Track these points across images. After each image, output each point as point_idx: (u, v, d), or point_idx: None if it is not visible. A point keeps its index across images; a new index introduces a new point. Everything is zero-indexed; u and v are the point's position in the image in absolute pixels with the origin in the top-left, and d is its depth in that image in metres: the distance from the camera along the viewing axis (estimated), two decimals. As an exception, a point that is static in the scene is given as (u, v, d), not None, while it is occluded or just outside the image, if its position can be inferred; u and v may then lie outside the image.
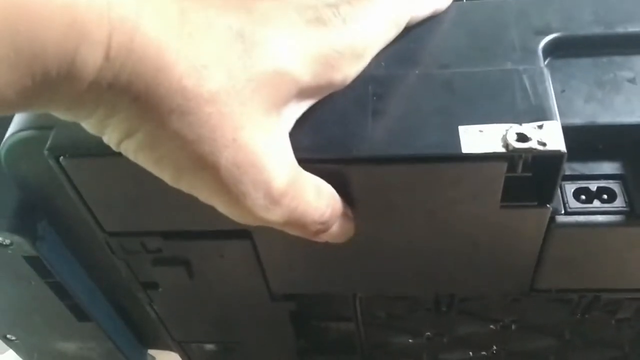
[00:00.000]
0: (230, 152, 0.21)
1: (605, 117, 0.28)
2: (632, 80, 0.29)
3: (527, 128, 0.25)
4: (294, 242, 0.30)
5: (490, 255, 0.30)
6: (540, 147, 0.24)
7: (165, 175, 0.22)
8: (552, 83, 0.27)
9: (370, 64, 0.27)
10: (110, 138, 0.21)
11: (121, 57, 0.18)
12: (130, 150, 0.21)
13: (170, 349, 0.45)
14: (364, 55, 0.26)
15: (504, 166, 0.25)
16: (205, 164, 0.21)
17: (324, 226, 0.25)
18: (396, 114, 0.26)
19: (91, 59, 0.18)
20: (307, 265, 0.32)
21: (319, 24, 0.23)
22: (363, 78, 0.27)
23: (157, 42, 0.19)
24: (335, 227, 0.26)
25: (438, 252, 0.30)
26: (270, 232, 0.30)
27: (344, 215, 0.26)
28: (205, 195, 0.22)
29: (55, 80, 0.18)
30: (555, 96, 0.27)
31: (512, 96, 0.26)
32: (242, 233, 0.30)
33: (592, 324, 0.37)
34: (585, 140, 0.29)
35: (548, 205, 0.27)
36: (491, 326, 0.38)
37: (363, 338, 0.40)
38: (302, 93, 0.23)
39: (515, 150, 0.24)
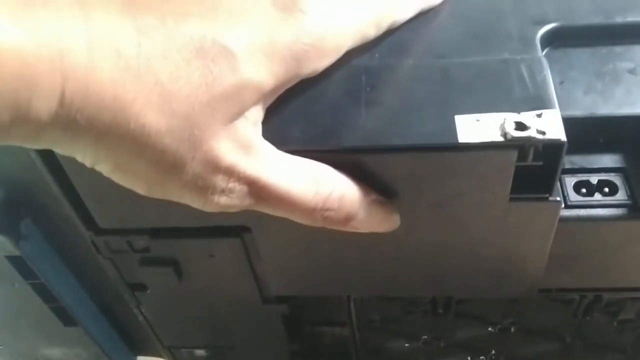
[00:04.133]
0: (190, 168, 0.21)
1: (605, 109, 0.27)
2: (632, 71, 0.28)
3: (526, 117, 0.24)
4: (293, 240, 0.29)
5: (497, 254, 0.29)
6: (540, 136, 0.23)
7: (139, 191, 0.22)
8: (552, 75, 0.27)
9: (363, 55, 0.27)
10: (81, 161, 0.22)
11: (76, 104, 0.19)
12: (103, 172, 0.22)
13: (161, 356, 0.44)
14: (333, 52, 0.25)
15: (514, 155, 0.24)
16: (169, 179, 0.22)
17: (335, 214, 0.24)
18: (390, 104, 0.25)
19: (45, 107, 0.18)
20: (304, 265, 0.31)
21: (286, 16, 0.23)
22: (356, 69, 0.26)
23: (112, 84, 0.19)
24: (362, 215, 0.25)
25: (443, 251, 0.29)
26: (269, 228, 0.29)
27: (373, 202, 0.26)
28: (175, 198, 0.23)
29: (7, 125, 0.18)
30: (554, 88, 0.27)
31: (509, 85, 0.25)
32: (233, 231, 0.29)
33: (594, 326, 0.36)
34: (585, 133, 0.28)
35: (558, 198, 0.26)
36: (489, 329, 0.37)
37: (358, 343, 0.39)
38: (268, 95, 0.23)
39: (514, 139, 0.23)
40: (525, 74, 0.26)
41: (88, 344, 0.39)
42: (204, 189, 0.22)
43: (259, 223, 0.29)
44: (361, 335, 0.38)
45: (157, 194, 0.22)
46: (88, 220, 0.30)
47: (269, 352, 0.40)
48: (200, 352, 0.40)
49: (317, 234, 0.27)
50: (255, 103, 0.22)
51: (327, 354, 0.40)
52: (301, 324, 0.38)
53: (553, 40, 0.28)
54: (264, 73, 0.22)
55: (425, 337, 0.38)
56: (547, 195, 0.26)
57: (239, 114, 0.22)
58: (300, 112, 0.25)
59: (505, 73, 0.26)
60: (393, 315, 0.36)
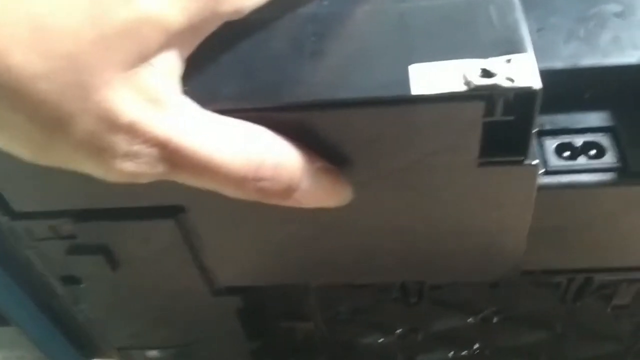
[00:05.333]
0: (81, 124, 0.17)
1: (590, 59, 0.24)
2: (620, 15, 0.24)
3: (493, 63, 0.20)
4: (236, 220, 0.26)
5: (470, 229, 0.25)
6: (508, 84, 0.20)
7: (24, 156, 0.19)
8: (528, 21, 0.23)
9: (312, 3, 0.23)
10: None
11: None
12: None
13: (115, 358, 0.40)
14: None
15: (480, 108, 0.20)
16: (57, 140, 0.18)
17: (272, 184, 0.21)
18: (338, 54, 0.22)
19: None
20: (252, 250, 0.28)
21: None
22: (301, 17, 0.23)
23: None
24: (306, 187, 0.22)
25: (408, 229, 0.25)
26: (206, 206, 0.25)
27: (319, 171, 0.22)
28: (72, 166, 0.19)
29: None
30: (531, 35, 0.23)
31: (476, 29, 0.21)
32: (165, 211, 0.26)
33: (586, 313, 0.32)
34: (568, 87, 0.24)
35: (535, 161, 0.22)
36: (470, 319, 0.33)
37: (326, 338, 0.35)
38: (180, 36, 0.19)
39: (478, 88, 0.20)
40: (494, 16, 0.22)
41: (28, 346, 0.35)
42: (102, 151, 0.18)
43: (193, 200, 0.25)
44: (329, 330, 0.34)
45: (46, 159, 0.19)
46: (1, 203, 0.26)
47: (229, 351, 0.36)
48: (152, 353, 0.36)
49: (263, 213, 0.23)
50: (163, 46, 0.18)
51: (294, 351, 0.37)
52: (261, 318, 0.34)
53: (529, -19, 0.25)
54: (169, 5, 0.18)
55: (401, 329, 0.35)
56: (522, 158, 0.22)
57: (140, 57, 0.18)
58: (233, 66, 0.21)
59: (472, 16, 0.22)
60: (361, 305, 0.33)
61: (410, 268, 0.28)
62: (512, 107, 0.20)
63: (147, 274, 0.29)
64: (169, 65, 0.19)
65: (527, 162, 0.22)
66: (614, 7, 0.24)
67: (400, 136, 0.22)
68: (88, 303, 0.32)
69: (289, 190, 0.21)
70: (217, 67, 0.21)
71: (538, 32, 0.24)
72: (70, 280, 0.30)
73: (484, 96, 0.20)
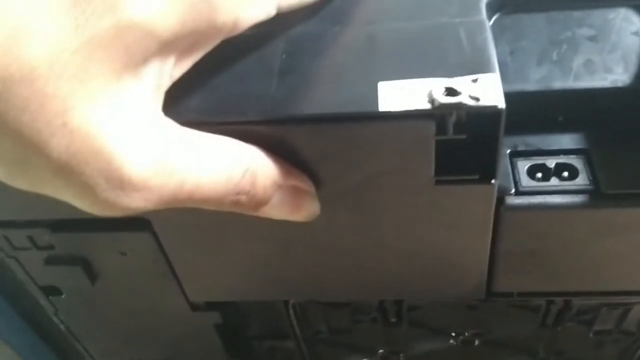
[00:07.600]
0: (61, 140, 0.16)
1: (562, 82, 0.24)
2: (592, 38, 0.25)
3: (459, 82, 0.20)
4: (203, 233, 0.26)
5: (431, 247, 0.25)
6: (472, 103, 0.20)
7: None
8: (501, 44, 0.23)
9: (285, 24, 0.24)
10: None
11: None
12: None
13: (100, 373, 0.40)
14: None
15: (431, 126, 0.20)
16: (33, 157, 0.16)
17: (247, 198, 0.20)
18: (307, 72, 0.22)
19: None
20: (220, 263, 0.28)
21: None
22: (273, 36, 0.23)
23: None
24: (276, 200, 0.21)
25: (371, 245, 0.25)
26: (170, 219, 0.25)
27: (289, 187, 0.22)
28: (50, 191, 0.18)
29: None
30: (504, 58, 0.23)
31: (444, 50, 0.22)
32: (142, 223, 0.26)
33: (568, 338, 0.32)
34: (541, 110, 0.25)
35: (493, 181, 0.22)
36: (451, 341, 0.33)
37: (307, 357, 0.35)
38: (172, 46, 0.18)
39: (442, 106, 0.20)
40: (464, 38, 0.22)
41: (12, 357, 0.35)
42: (82, 179, 0.17)
43: (157, 213, 0.25)
44: (309, 349, 0.34)
45: (22, 180, 0.17)
46: (-20, 211, 0.27)
47: (209, 369, 0.36)
48: (134, 368, 0.36)
49: (229, 226, 0.24)
50: (150, 55, 0.17)
51: (275, 370, 0.36)
52: (242, 336, 0.34)
53: (503, 5, 0.25)
54: (160, 12, 0.17)
55: (382, 350, 0.34)
56: (477, 176, 0.22)
57: (125, 67, 0.17)
58: (202, 80, 0.22)
59: (442, 37, 0.22)
60: (341, 325, 0.32)
61: (376, 286, 0.28)
62: (463, 125, 0.21)
63: (125, 286, 0.30)
64: (157, 77, 0.18)
65: (484, 180, 0.22)
66: (587, 31, 0.25)
67: (360, 152, 0.22)
68: (68, 315, 0.32)
69: (260, 203, 0.21)
70: (184, 82, 0.21)
71: (511, 54, 0.25)
72: (51, 291, 0.30)
73: (442, 115, 0.20)
